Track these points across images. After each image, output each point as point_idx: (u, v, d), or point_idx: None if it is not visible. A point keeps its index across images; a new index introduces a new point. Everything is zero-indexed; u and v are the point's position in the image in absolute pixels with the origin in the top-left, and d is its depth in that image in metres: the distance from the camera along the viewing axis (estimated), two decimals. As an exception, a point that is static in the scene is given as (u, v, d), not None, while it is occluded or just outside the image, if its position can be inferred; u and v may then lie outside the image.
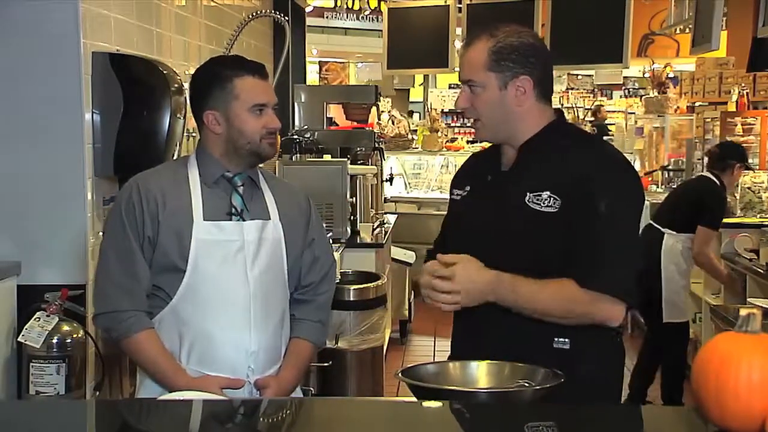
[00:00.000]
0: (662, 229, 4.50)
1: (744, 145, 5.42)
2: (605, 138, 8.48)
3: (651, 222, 4.56)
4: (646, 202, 5.44)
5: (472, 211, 1.91)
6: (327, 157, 4.77)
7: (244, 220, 2.02)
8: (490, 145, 1.99)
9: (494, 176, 1.90)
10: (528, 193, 1.79)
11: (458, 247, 1.82)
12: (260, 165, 2.14)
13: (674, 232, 4.45)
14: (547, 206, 1.77)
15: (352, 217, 4.54)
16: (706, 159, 4.77)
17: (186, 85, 3.08)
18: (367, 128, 6.21)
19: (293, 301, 2.13)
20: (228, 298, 1.99)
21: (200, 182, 2.03)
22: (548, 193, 1.77)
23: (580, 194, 1.75)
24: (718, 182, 4.43)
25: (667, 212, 4.60)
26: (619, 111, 10.72)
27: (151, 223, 1.99)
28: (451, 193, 2.00)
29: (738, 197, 5.03)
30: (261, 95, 2.00)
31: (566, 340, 1.79)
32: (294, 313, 2.13)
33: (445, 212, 2.07)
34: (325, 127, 5.59)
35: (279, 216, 2.07)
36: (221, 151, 2.04)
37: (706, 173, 4.59)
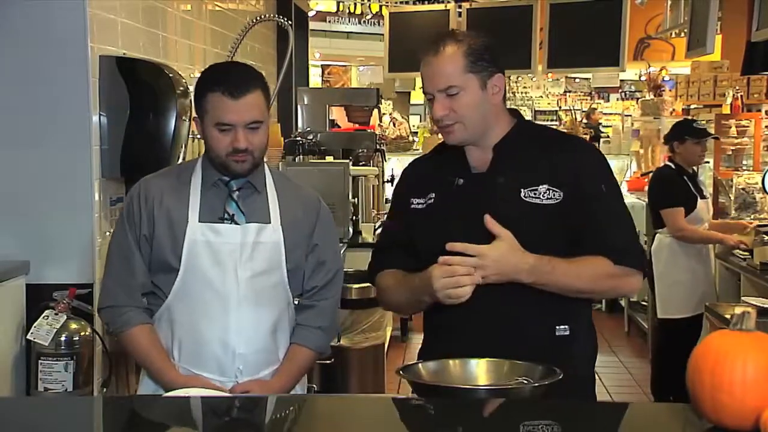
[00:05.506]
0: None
1: (738, 147, 5.46)
2: (600, 139, 8.59)
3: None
4: (643, 202, 5.48)
5: (450, 216, 1.87)
6: (329, 159, 4.80)
7: (237, 224, 2.02)
8: (432, 150, 2.05)
9: (467, 179, 1.90)
10: (522, 189, 1.83)
11: (443, 253, 1.77)
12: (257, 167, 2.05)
13: (658, 229, 4.48)
14: (548, 198, 1.82)
15: (354, 218, 4.56)
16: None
17: (191, 88, 3.13)
18: (369, 130, 6.25)
19: (298, 307, 2.12)
20: (217, 298, 1.99)
21: (200, 185, 2.04)
22: (546, 186, 1.82)
23: (579, 182, 1.83)
24: (672, 165, 4.43)
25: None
26: (615, 113, 10.74)
27: (147, 222, 2.02)
28: (408, 203, 1.95)
29: (732, 198, 5.07)
30: (226, 115, 1.93)
31: (566, 327, 1.85)
32: (296, 318, 2.12)
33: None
34: (327, 129, 5.61)
35: (281, 219, 2.04)
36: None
37: (663, 161, 4.68)
